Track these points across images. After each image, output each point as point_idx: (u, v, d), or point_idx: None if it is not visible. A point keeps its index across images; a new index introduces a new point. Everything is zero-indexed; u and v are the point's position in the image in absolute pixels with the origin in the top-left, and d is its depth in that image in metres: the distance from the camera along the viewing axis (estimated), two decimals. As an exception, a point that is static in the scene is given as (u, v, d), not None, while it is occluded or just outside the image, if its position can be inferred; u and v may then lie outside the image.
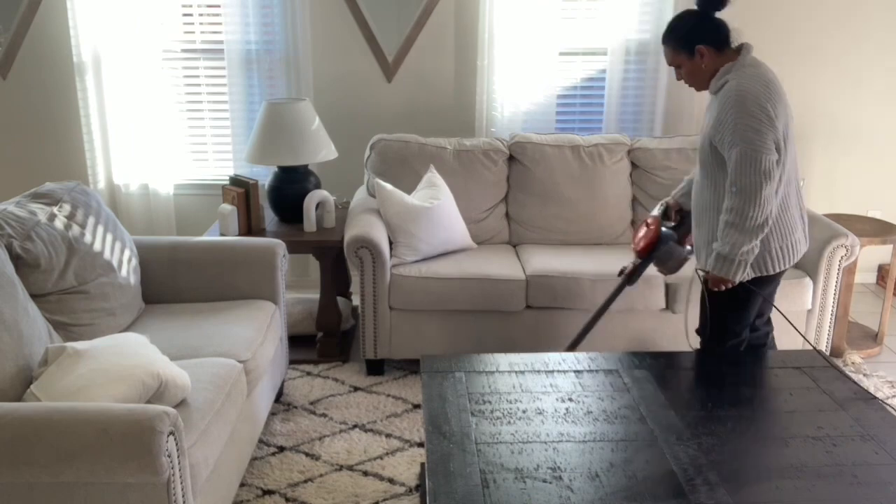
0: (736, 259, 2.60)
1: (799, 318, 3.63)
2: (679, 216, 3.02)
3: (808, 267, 3.61)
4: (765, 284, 2.77)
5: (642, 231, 2.99)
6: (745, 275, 2.65)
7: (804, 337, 3.26)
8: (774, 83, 2.61)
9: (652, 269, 3.05)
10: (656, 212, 3.01)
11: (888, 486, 2.02)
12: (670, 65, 2.74)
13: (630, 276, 3.03)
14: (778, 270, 2.74)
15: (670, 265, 2.98)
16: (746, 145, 2.51)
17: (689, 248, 2.99)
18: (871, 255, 4.86)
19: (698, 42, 2.64)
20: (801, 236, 2.76)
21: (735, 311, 2.81)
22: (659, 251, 2.95)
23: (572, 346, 3.12)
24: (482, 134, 4.43)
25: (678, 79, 2.78)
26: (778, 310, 2.95)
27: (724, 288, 2.70)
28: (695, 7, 2.69)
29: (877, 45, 4.51)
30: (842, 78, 4.55)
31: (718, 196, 2.68)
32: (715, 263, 2.64)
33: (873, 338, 4.06)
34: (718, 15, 2.69)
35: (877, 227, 3.95)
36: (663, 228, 2.97)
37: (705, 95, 4.46)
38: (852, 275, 3.83)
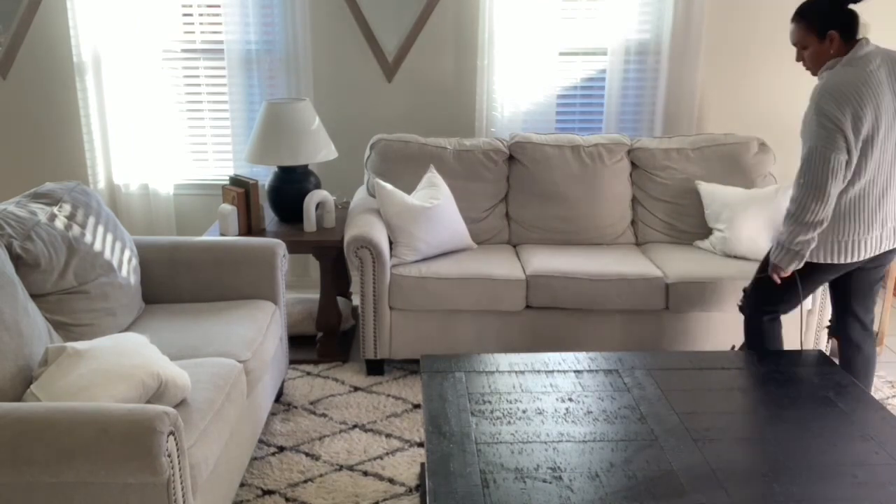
0: (792, 249, 2.72)
1: (799, 318, 3.63)
2: None
3: (808, 267, 3.61)
4: (815, 272, 2.84)
5: None
6: (798, 265, 2.75)
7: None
8: (864, 83, 2.61)
9: None
10: None
11: (888, 486, 2.02)
12: (795, 43, 2.76)
13: None
14: (827, 261, 2.79)
15: None
16: (818, 142, 2.60)
17: None
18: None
19: (832, 27, 2.67)
20: (872, 238, 2.78)
21: (777, 288, 2.91)
22: None
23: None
24: (482, 134, 4.43)
25: (797, 59, 2.79)
26: (800, 299, 2.95)
27: (777, 277, 2.83)
28: None
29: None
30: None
31: None
32: (774, 252, 2.79)
33: (873, 338, 4.06)
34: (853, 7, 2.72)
35: (877, 227, 3.94)
36: None
37: (705, 95, 4.48)
38: (852, 275, 3.83)
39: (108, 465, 1.89)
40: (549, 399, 2.44)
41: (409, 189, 3.86)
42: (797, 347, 3.66)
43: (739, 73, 4.53)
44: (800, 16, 2.73)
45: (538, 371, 2.63)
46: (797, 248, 2.72)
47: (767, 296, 2.98)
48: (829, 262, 2.80)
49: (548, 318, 3.58)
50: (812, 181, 2.63)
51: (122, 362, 2.22)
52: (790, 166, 4.64)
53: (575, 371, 2.63)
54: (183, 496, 2.02)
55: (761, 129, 4.61)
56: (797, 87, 4.56)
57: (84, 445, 1.89)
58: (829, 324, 3.09)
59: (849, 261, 2.80)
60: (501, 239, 4.06)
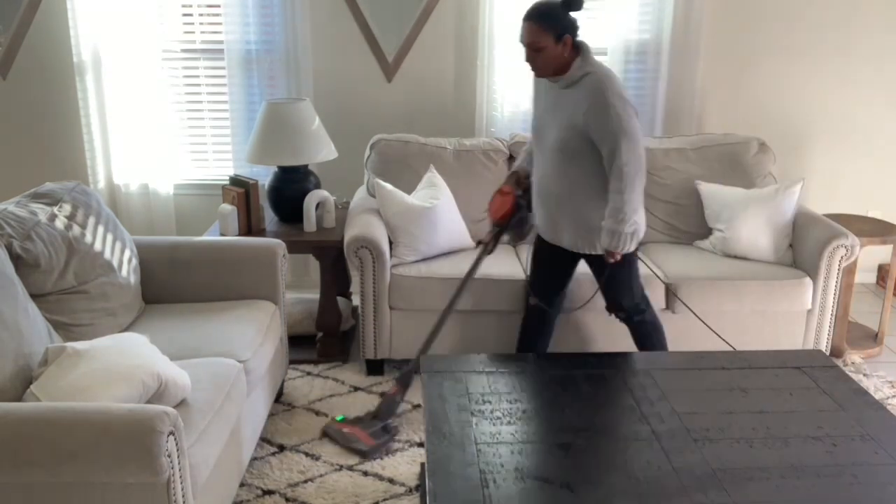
0: (632, 231, 2.86)
1: (799, 318, 3.63)
2: (527, 183, 3.16)
3: (808, 267, 3.61)
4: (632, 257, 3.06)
5: (498, 200, 3.10)
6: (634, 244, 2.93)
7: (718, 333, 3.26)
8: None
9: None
10: (509, 181, 3.15)
11: (888, 486, 2.02)
12: (528, 43, 2.80)
13: (488, 246, 3.15)
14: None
15: (523, 231, 3.12)
16: (632, 133, 2.77)
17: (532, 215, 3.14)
18: (871, 255, 4.86)
19: (567, 31, 2.79)
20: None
21: (636, 276, 3.12)
22: (515, 219, 3.07)
23: (437, 326, 3.15)
24: (482, 134, 4.43)
25: (527, 59, 2.85)
26: (601, 287, 3.12)
27: (617, 259, 2.93)
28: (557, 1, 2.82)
29: (876, 45, 4.50)
30: (842, 78, 4.55)
31: (587, 180, 2.90)
32: (612, 240, 2.87)
33: (873, 338, 4.06)
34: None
35: (877, 227, 3.95)
36: (517, 196, 3.10)
37: (705, 95, 4.48)
38: (852, 275, 3.83)
39: (108, 465, 1.89)
40: (550, 399, 2.44)
41: (409, 189, 3.86)
42: (798, 347, 3.67)
43: (739, 73, 4.53)
44: (538, 18, 2.78)
45: (538, 371, 2.63)
46: (635, 228, 2.86)
47: (641, 287, 3.14)
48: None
49: (548, 318, 3.57)
50: (637, 169, 2.79)
51: (122, 362, 2.22)
52: (790, 166, 4.65)
53: (575, 371, 2.63)
54: (183, 496, 2.02)
55: (761, 129, 4.61)
56: (797, 87, 4.56)
57: (84, 445, 1.89)
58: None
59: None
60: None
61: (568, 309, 3.34)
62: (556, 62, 2.83)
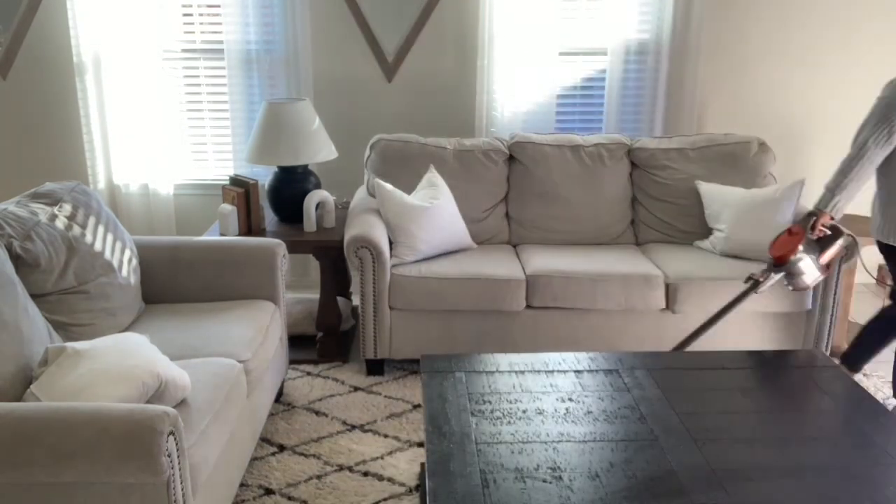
0: None
1: (799, 318, 3.63)
2: (826, 230, 3.02)
3: (808, 267, 3.61)
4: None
5: (783, 239, 2.97)
6: None
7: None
8: None
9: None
10: (802, 223, 3.02)
11: (888, 486, 2.02)
12: None
13: (757, 284, 2.98)
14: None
15: (799, 282, 2.94)
16: None
17: (822, 268, 2.99)
18: (871, 255, 4.86)
19: None
20: None
21: None
22: (793, 264, 2.92)
23: (681, 347, 3.10)
24: (482, 134, 4.43)
25: None
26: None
27: None
28: None
29: (876, 45, 4.51)
30: (842, 78, 4.55)
31: None
32: None
33: (873, 338, 4.05)
34: None
35: (877, 227, 3.94)
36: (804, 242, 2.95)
37: (705, 95, 4.48)
38: (852, 275, 3.83)
39: (108, 465, 1.89)
40: (549, 399, 2.44)
41: (409, 189, 3.86)
42: (798, 347, 3.67)
43: (739, 73, 4.53)
44: None
45: (538, 371, 2.63)
46: None
47: None
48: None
49: (548, 318, 3.58)
50: None
51: (122, 362, 2.22)
52: (790, 166, 4.65)
53: (575, 371, 2.64)
54: (183, 496, 2.02)
55: (761, 129, 4.61)
56: (797, 87, 4.56)
57: (84, 445, 1.89)
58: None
59: None
60: (501, 239, 4.06)
61: None
62: None
